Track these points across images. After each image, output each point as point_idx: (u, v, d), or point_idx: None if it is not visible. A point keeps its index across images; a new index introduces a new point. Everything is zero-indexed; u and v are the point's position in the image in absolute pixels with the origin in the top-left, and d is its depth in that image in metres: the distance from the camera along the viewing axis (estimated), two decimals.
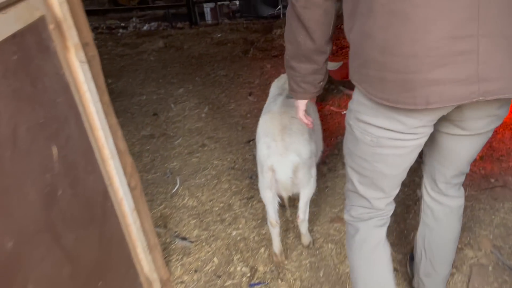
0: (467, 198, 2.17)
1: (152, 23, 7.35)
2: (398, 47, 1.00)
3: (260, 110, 3.30)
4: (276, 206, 1.92)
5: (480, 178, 2.29)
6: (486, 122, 1.19)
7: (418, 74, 1.00)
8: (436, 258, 1.55)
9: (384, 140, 1.19)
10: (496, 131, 2.63)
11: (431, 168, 1.43)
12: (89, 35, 1.50)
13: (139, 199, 1.82)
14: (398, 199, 2.25)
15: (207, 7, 7.01)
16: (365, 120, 1.19)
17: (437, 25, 0.96)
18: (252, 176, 2.64)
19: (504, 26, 0.98)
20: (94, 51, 1.50)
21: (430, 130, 1.18)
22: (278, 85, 2.35)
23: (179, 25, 7.03)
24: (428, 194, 1.48)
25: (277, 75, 4.10)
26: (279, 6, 6.40)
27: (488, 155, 2.45)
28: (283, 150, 1.79)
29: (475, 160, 2.42)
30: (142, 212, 1.81)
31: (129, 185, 1.71)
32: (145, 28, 7.17)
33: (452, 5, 0.96)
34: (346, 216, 1.45)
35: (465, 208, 2.10)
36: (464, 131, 1.22)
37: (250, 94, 3.81)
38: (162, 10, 7.93)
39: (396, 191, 1.35)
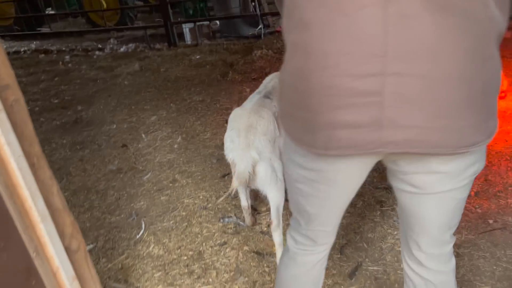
0: (463, 244, 1.94)
1: (130, 45, 7.13)
2: (299, 82, 0.89)
3: None
4: (247, 192, 2.17)
5: (476, 219, 2.06)
6: (434, 179, 0.96)
7: (317, 114, 0.88)
8: None
9: (299, 177, 1.08)
10: (491, 163, 2.43)
11: (403, 233, 1.19)
12: (9, 76, 1.24)
13: (83, 262, 1.54)
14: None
15: (186, 28, 6.82)
16: (286, 151, 1.11)
17: (337, 61, 0.82)
18: (225, 219, 2.38)
19: (421, 64, 0.79)
20: (17, 94, 1.24)
21: (355, 179, 1.03)
22: (265, 82, 2.38)
23: (158, 46, 6.82)
24: (407, 263, 1.21)
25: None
26: (260, 26, 6.23)
27: (484, 191, 2.23)
28: (244, 146, 1.89)
29: (470, 197, 2.19)
30: (86, 278, 1.54)
31: (68, 248, 1.44)
32: (122, 49, 6.94)
33: (356, 38, 0.79)
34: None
35: (463, 255, 1.87)
36: (416, 189, 1.00)
37: (227, 122, 3.55)
38: (140, 31, 7.73)
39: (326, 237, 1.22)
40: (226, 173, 2.80)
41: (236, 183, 1.96)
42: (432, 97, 0.80)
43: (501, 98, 3.10)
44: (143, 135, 3.52)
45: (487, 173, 2.36)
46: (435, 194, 1.00)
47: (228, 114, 3.71)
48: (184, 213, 2.48)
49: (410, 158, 0.93)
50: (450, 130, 0.83)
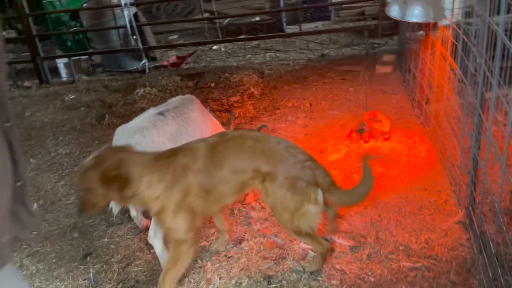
0: None
1: None
2: None
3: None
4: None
5: None
6: None
7: None
8: None
9: None
10: (380, 216, 2.28)
11: None
12: None
13: None
14: None
15: (60, 63, 6.10)
16: None
17: None
18: None
19: None
20: None
21: None
22: (169, 101, 2.51)
23: (27, 83, 5.99)
24: None
25: None
26: (144, 61, 5.79)
27: (376, 252, 2.05)
28: None
29: (361, 261, 2.00)
30: None
31: None
32: None
33: None
34: None
35: None
36: None
37: None
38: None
39: None
40: (88, 253, 2.30)
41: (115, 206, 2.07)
42: None
43: (385, 139, 3.06)
44: None
45: (377, 229, 2.20)
46: None
47: None
48: None
49: None
50: None
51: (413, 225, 2.21)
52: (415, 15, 2.19)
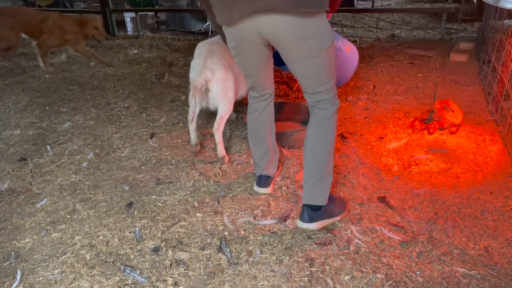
0: None
1: None
2: None
3: (161, 160, 2.69)
4: (196, 110, 2.65)
5: None
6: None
7: None
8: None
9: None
10: (437, 214, 2.14)
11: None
12: None
13: None
14: None
15: (127, 17, 6.20)
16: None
17: None
18: (125, 269, 1.94)
19: None
20: None
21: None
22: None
23: None
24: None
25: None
26: (208, 22, 5.75)
27: (427, 251, 1.93)
28: (202, 67, 2.58)
29: (411, 258, 1.89)
30: None
31: None
32: None
33: None
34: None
35: None
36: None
37: (151, 137, 3.10)
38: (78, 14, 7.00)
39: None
40: (136, 207, 2.35)
41: (191, 94, 2.59)
42: None
43: (451, 133, 2.85)
44: (49, 147, 2.98)
45: (431, 228, 2.07)
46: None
47: (155, 127, 3.25)
48: (74, 260, 2.01)
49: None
50: None
51: (472, 229, 2.05)
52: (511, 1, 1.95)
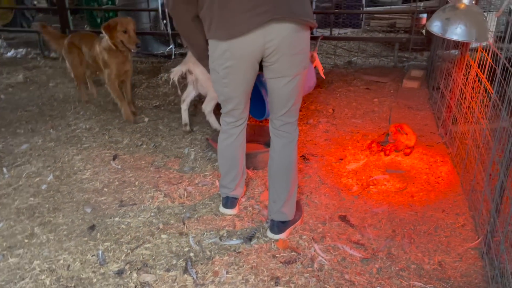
0: None
1: (20, 49, 6.25)
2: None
3: (124, 182, 2.67)
4: (191, 95, 3.40)
5: None
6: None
7: None
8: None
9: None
10: (394, 232, 2.25)
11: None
12: None
13: None
14: None
15: None
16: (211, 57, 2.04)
17: None
18: None
19: None
20: None
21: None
22: None
23: (53, 54, 6.04)
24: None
25: (154, 134, 3.44)
26: (171, 46, 5.80)
27: (386, 267, 2.02)
28: (186, 60, 3.20)
29: (371, 274, 1.97)
30: None
31: None
32: (10, 54, 6.06)
33: None
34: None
35: None
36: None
37: (114, 158, 3.06)
38: (35, 34, 6.83)
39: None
40: (99, 230, 2.31)
41: (172, 75, 3.20)
42: None
43: (406, 154, 3.02)
44: (5, 170, 2.88)
45: (390, 245, 2.17)
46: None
47: (117, 149, 3.21)
48: (33, 285, 1.94)
49: None
50: None
51: (427, 245, 2.17)
52: (457, 33, 2.14)
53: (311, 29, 1.96)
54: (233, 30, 1.84)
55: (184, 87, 3.42)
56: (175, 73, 3.16)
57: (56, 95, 4.31)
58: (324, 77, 2.94)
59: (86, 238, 2.25)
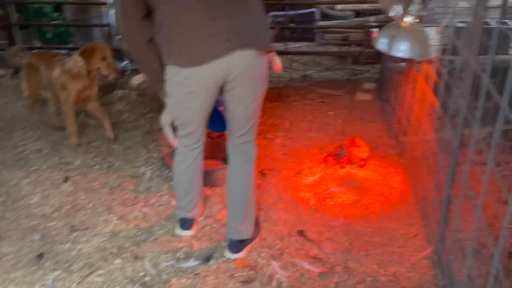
0: None
1: None
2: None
3: (76, 205, 2.57)
4: None
5: None
6: None
7: None
8: None
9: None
10: (351, 245, 2.28)
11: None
12: None
13: None
14: None
15: None
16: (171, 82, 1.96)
17: None
18: None
19: None
20: None
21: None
22: None
23: (1, 72, 5.78)
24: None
25: (108, 153, 3.33)
26: (125, 62, 5.69)
27: (343, 281, 2.05)
28: None
29: None
30: None
31: None
32: None
33: None
34: None
35: None
36: None
37: (65, 180, 2.94)
38: None
39: None
40: (48, 258, 2.20)
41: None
42: None
43: (360, 166, 3.09)
44: None
45: (347, 258, 2.20)
46: None
47: (68, 170, 3.10)
48: None
49: None
50: None
51: (382, 256, 2.22)
52: (402, 50, 2.23)
53: (270, 52, 2.00)
54: (195, 57, 1.80)
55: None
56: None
57: (3, 115, 4.10)
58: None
59: (34, 268, 2.14)
